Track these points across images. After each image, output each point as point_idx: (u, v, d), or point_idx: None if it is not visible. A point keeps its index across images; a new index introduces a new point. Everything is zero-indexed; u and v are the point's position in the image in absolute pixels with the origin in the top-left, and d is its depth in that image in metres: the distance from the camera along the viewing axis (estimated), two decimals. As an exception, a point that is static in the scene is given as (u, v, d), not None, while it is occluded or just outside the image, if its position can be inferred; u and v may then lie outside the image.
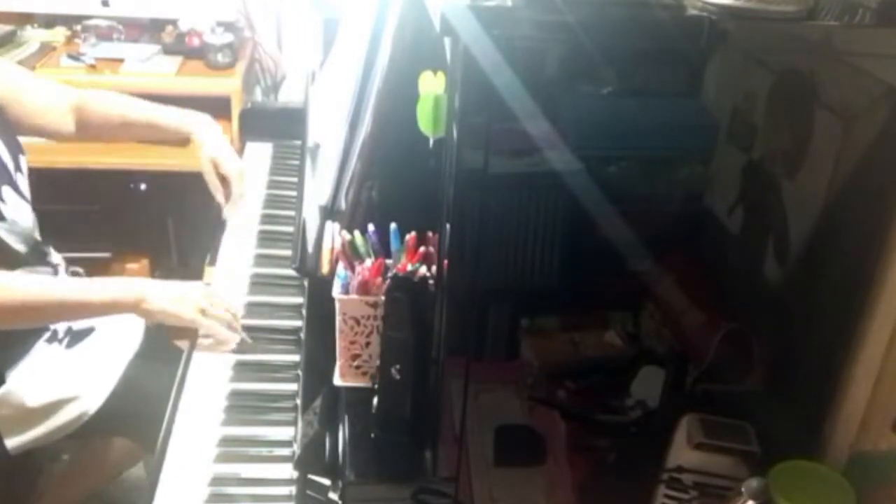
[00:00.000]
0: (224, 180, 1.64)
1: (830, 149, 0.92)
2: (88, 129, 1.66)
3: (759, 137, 0.91)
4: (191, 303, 1.40)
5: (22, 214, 1.48)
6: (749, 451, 0.97)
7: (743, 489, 0.89)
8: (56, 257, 1.59)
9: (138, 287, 1.41)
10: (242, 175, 1.66)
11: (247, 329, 1.44)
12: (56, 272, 1.56)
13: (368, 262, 1.11)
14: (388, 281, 1.03)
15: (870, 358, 1.00)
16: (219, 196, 1.64)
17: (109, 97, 1.69)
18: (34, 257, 1.49)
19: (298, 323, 1.47)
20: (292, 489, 1.12)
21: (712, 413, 1.00)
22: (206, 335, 1.41)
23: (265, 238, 1.74)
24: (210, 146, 1.63)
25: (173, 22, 2.44)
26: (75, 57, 2.35)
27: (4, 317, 1.37)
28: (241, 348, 1.42)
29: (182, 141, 1.70)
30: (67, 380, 1.52)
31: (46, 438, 1.52)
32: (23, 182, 1.51)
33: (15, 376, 1.48)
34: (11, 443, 1.48)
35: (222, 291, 1.51)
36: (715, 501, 0.97)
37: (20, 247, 1.46)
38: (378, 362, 1.03)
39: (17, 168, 1.50)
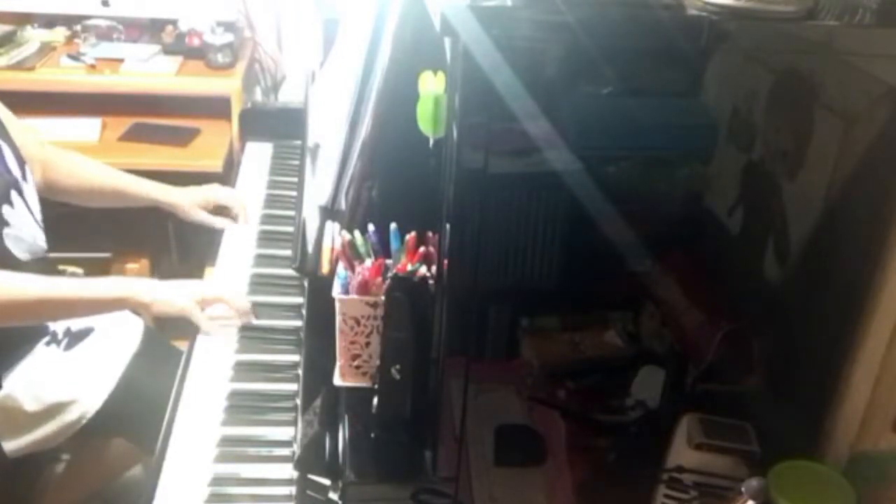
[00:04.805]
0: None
1: (830, 149, 0.92)
2: (55, 187, 1.67)
3: (759, 137, 0.91)
4: (185, 293, 1.42)
5: (27, 223, 1.49)
6: (749, 451, 0.97)
7: (743, 489, 0.88)
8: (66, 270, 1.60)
9: (130, 281, 1.45)
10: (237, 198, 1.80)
11: (246, 328, 1.44)
12: None
13: (368, 262, 1.11)
14: (388, 281, 1.03)
15: (870, 358, 1.00)
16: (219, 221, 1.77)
17: (78, 159, 1.72)
18: (39, 268, 1.49)
19: (298, 323, 1.47)
20: (292, 489, 1.12)
21: (712, 413, 1.00)
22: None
23: (265, 238, 1.74)
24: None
25: (173, 22, 2.44)
26: (75, 57, 2.34)
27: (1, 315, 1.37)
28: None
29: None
30: (65, 383, 1.52)
31: (45, 442, 1.52)
32: (28, 191, 1.51)
33: (12, 380, 1.48)
34: (10, 446, 1.48)
35: (225, 285, 1.51)
36: (715, 501, 0.97)
37: (24, 255, 1.46)
38: (378, 362, 1.03)
39: (24, 177, 1.50)
